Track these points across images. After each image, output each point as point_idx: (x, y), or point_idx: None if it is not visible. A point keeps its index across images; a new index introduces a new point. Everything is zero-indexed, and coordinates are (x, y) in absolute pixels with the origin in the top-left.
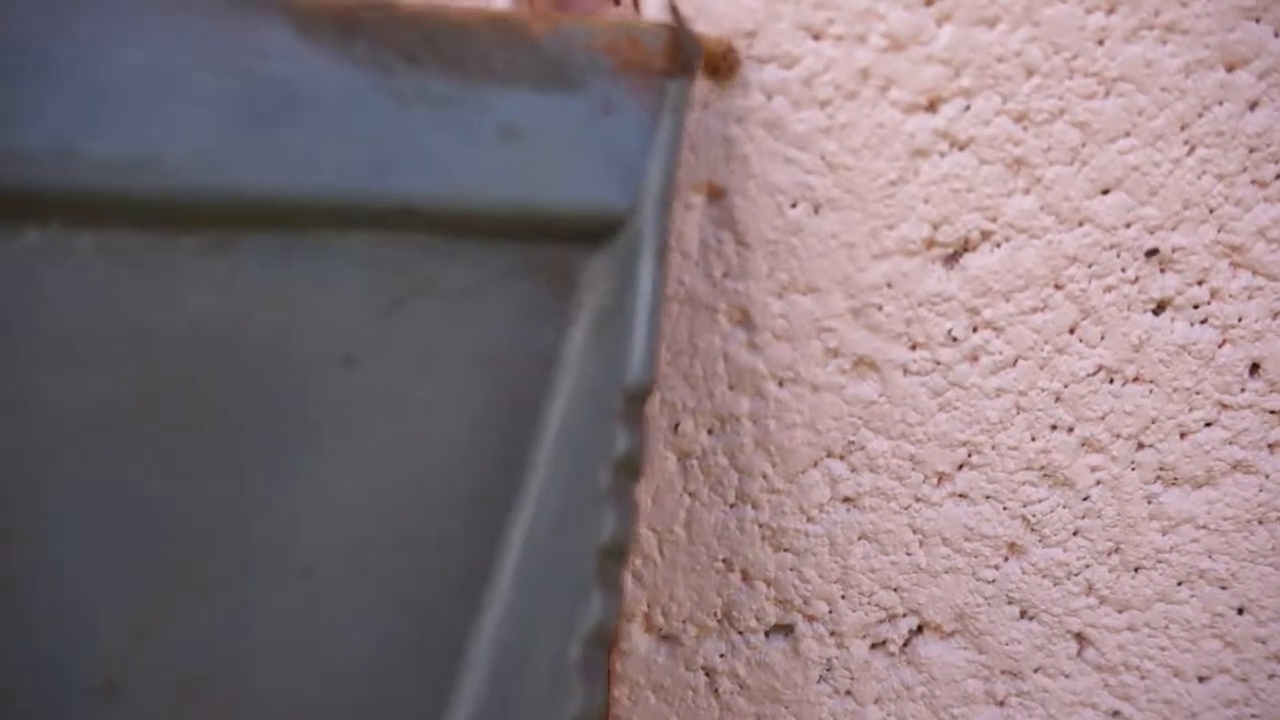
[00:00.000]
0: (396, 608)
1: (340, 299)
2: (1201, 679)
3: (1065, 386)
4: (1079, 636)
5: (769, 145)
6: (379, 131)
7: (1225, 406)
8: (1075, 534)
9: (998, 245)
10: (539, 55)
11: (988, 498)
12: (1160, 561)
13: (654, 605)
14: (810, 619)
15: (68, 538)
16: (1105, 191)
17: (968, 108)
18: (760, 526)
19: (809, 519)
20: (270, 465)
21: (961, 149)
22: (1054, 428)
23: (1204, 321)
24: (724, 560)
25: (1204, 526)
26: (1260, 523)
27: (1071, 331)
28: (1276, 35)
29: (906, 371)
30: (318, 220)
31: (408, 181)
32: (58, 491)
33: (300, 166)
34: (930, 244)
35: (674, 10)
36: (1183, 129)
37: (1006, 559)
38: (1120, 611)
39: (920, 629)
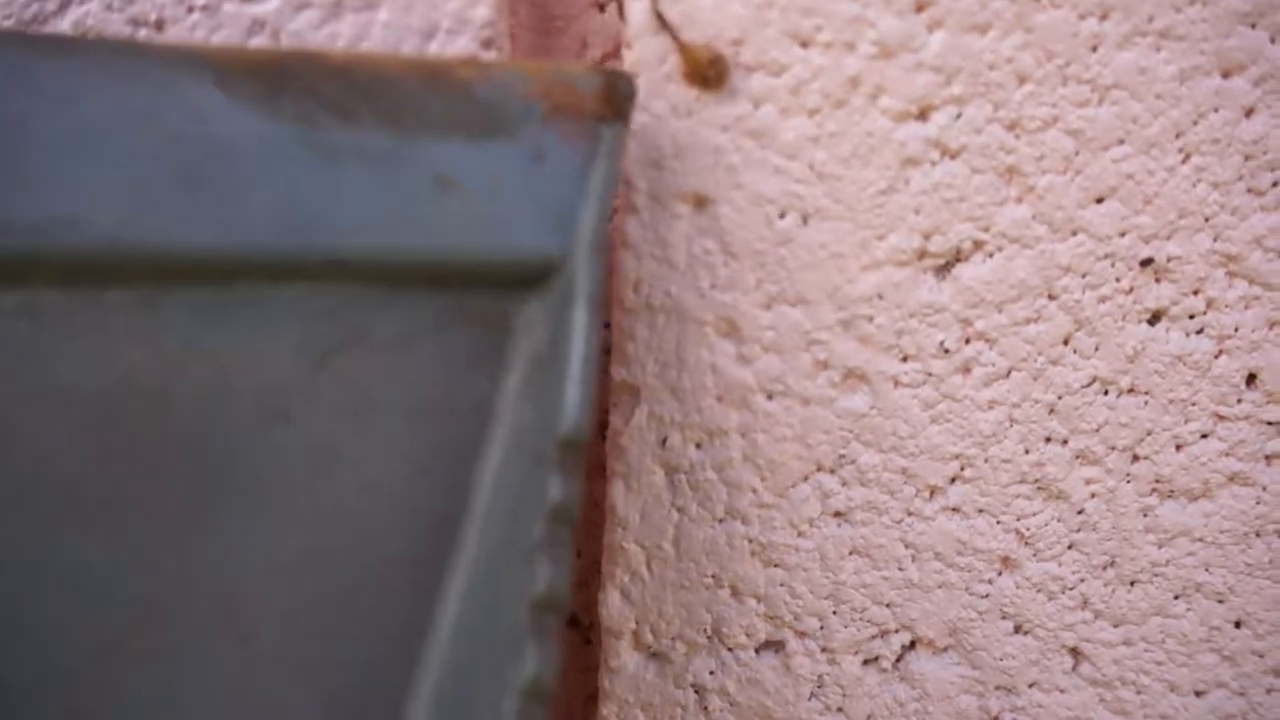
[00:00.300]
0: (337, 668)
1: (272, 352)
2: (1198, 693)
3: (1059, 398)
4: (1074, 651)
5: (756, 154)
6: (307, 186)
7: (1222, 418)
8: (1070, 548)
9: (990, 255)
10: (470, 103)
11: (981, 511)
12: (1156, 575)
13: (642, 622)
14: (801, 635)
15: None
16: (1099, 200)
17: (959, 116)
18: (750, 542)
19: (799, 534)
20: (205, 526)
21: (953, 158)
22: (1048, 440)
23: (1200, 332)
24: (713, 576)
25: (1200, 539)
26: (1258, 535)
27: (1065, 342)
28: (1273, 41)
29: (898, 384)
30: (246, 275)
31: (337, 235)
32: None
33: (226, 223)
34: (921, 254)
35: (659, 17)
36: (1178, 136)
37: (1000, 573)
38: (1116, 626)
39: (913, 645)
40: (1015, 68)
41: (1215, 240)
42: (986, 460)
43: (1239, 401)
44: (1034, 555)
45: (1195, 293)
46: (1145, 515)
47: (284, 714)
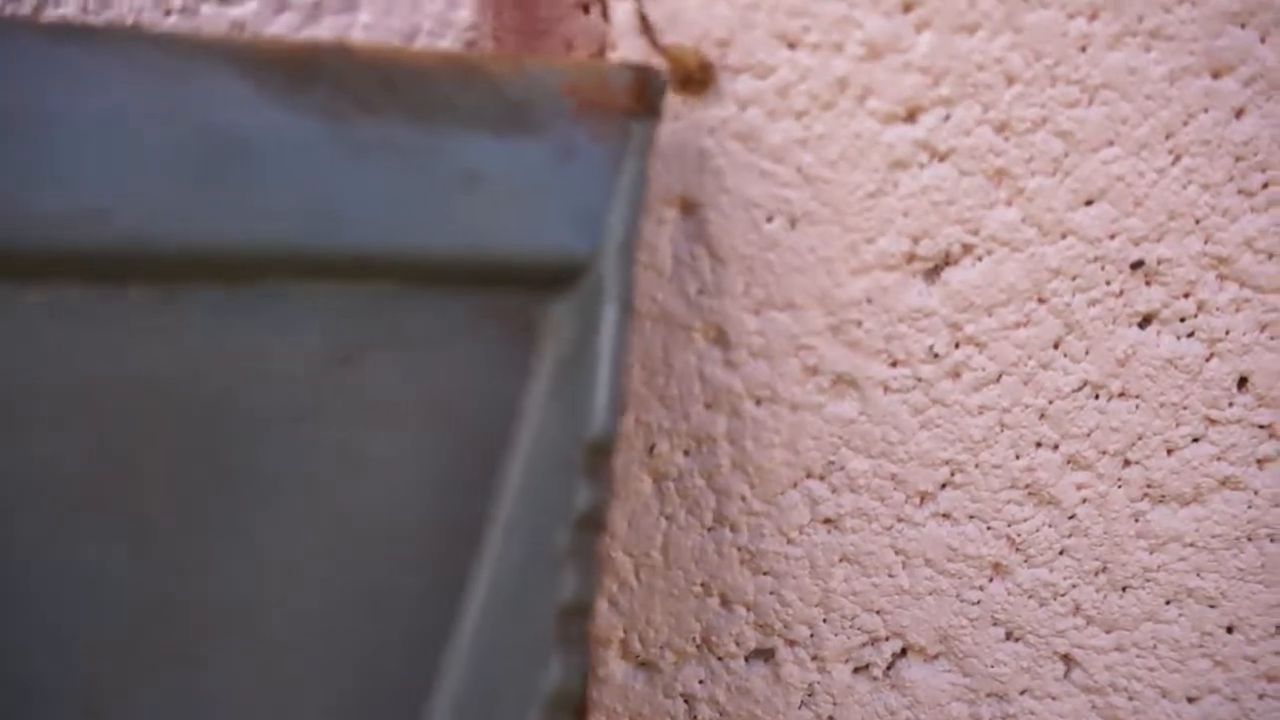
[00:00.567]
0: (354, 671)
1: (295, 351)
2: (1191, 699)
3: (1050, 403)
4: (1066, 658)
5: (743, 158)
6: (334, 181)
7: (1213, 421)
8: (1061, 553)
9: (979, 259)
10: (499, 98)
11: (971, 517)
12: (1148, 580)
13: (631, 631)
14: (791, 643)
15: (13, 608)
16: (1089, 202)
17: (948, 117)
18: (739, 549)
19: (789, 541)
20: (223, 524)
21: (942, 160)
22: (1039, 445)
23: (1191, 335)
24: (702, 584)
25: (1192, 544)
26: (1250, 540)
27: (1056, 346)
28: (1262, 41)
29: (887, 389)
30: (271, 272)
31: (364, 231)
32: (1, 559)
33: (253, 218)
34: (910, 258)
35: (643, 19)
36: (1168, 138)
37: (991, 579)
38: (1108, 632)
39: (904, 652)
40: (1004, 68)
41: (1206, 242)
42: (977, 466)
43: (1230, 405)
44: (1025, 561)
45: (1186, 295)
46: (1137, 520)
47: (297, 713)
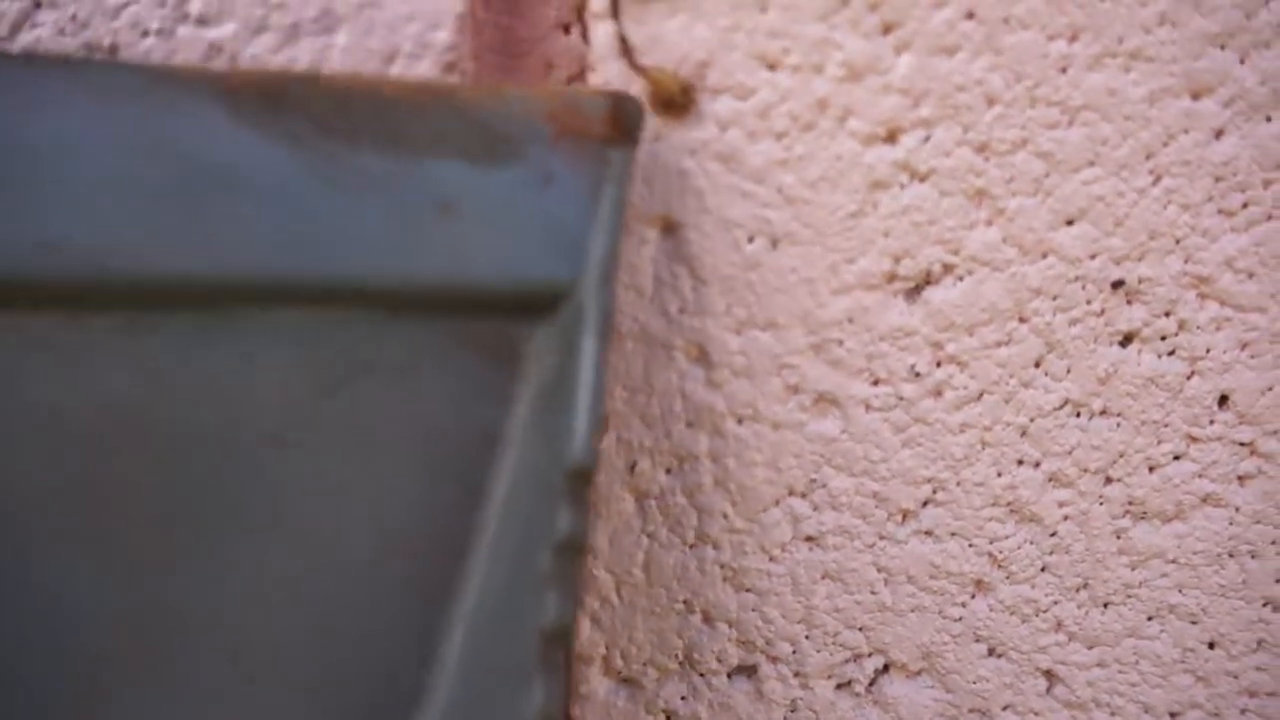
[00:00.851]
0: (338, 697)
1: (267, 380)
2: (1173, 715)
3: (1031, 421)
4: (1048, 674)
5: (724, 178)
6: (307, 210)
7: (1194, 439)
8: (1043, 570)
9: (960, 278)
10: (476, 127)
11: (953, 535)
12: (1130, 597)
13: (613, 648)
14: (774, 660)
15: None
16: (1069, 222)
17: (928, 138)
18: (721, 567)
19: (771, 558)
20: (195, 552)
21: (922, 180)
22: (1020, 463)
23: (1172, 353)
24: (684, 601)
25: (1174, 561)
26: (1231, 556)
27: (1037, 365)
28: (1242, 62)
29: (869, 407)
30: (245, 301)
31: (338, 260)
32: None
33: (224, 246)
34: (891, 278)
35: (623, 41)
36: (1148, 158)
37: (973, 596)
38: (1090, 648)
39: (886, 668)
40: (984, 90)
41: (1186, 262)
42: (959, 483)
43: (1211, 423)
44: (1007, 578)
45: (1167, 314)
46: (1118, 537)
47: None
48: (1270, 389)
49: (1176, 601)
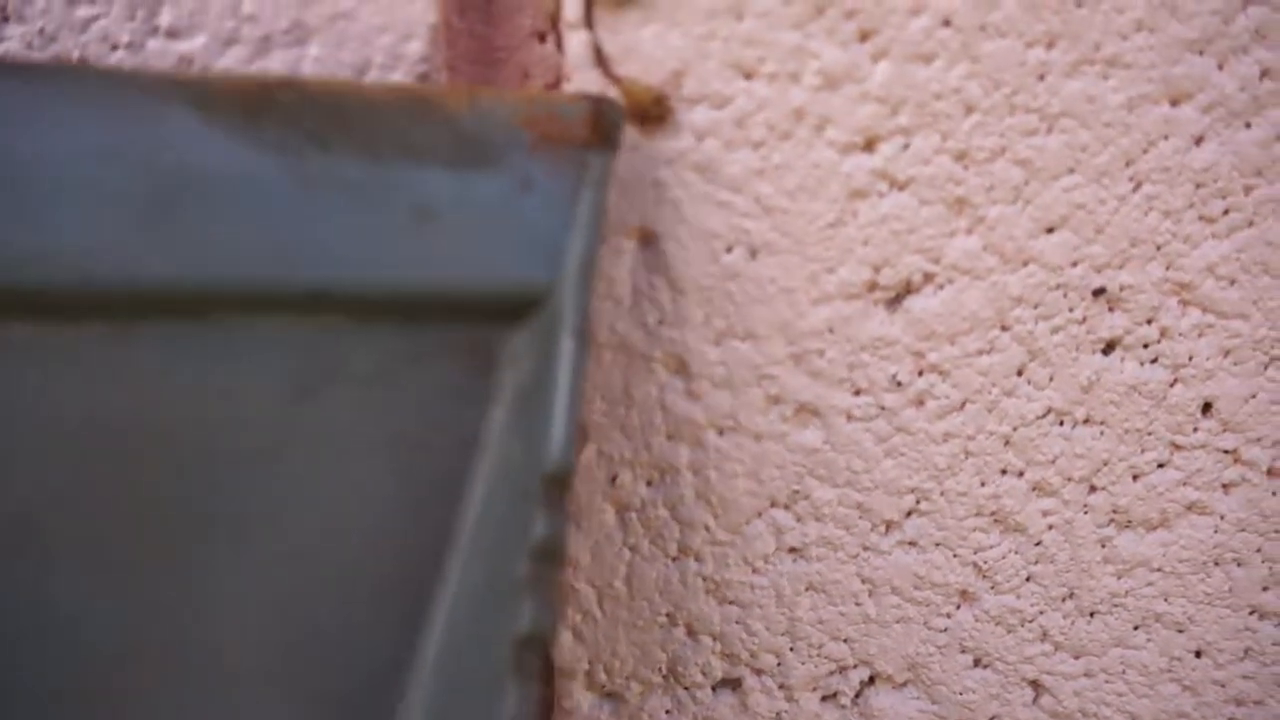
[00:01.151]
0: (315, 702)
1: (252, 385)
2: None
3: (1014, 430)
4: (1034, 684)
5: (701, 188)
6: (287, 217)
7: (1178, 447)
8: (1028, 580)
9: (941, 287)
10: (454, 132)
11: (938, 545)
12: (1116, 606)
13: (596, 662)
14: (758, 672)
15: None
16: (1050, 230)
17: (906, 147)
18: (704, 579)
19: (754, 570)
20: (181, 561)
21: (901, 189)
22: (1004, 472)
23: (1154, 361)
24: (667, 614)
25: (1159, 569)
26: (1216, 564)
27: (1019, 374)
28: (1220, 68)
29: (850, 418)
30: (225, 307)
31: (318, 267)
32: None
33: (204, 254)
34: (871, 287)
35: (597, 51)
36: (1127, 165)
37: (959, 607)
38: (1076, 658)
39: (872, 680)
40: (962, 97)
41: (1168, 269)
42: (942, 493)
43: (1195, 430)
44: (992, 588)
45: (1149, 322)
46: (1103, 546)
47: None
48: (1253, 396)
49: (1163, 610)
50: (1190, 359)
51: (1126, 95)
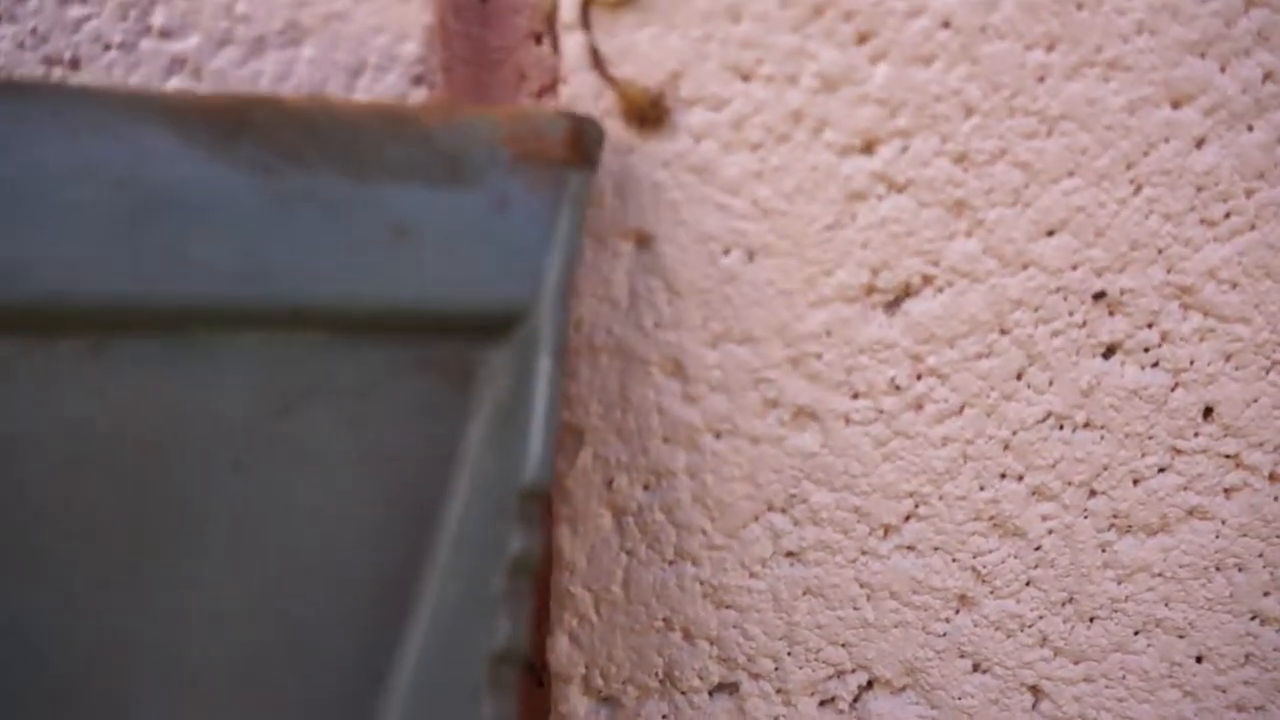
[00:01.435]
0: (291, 715)
1: (226, 401)
2: None
3: (1014, 434)
4: (1034, 689)
5: (698, 191)
6: (263, 234)
7: (1179, 451)
8: (1028, 584)
9: (940, 290)
10: (432, 150)
11: (936, 549)
12: (1116, 611)
13: (592, 667)
14: (755, 677)
15: None
16: (1050, 233)
17: (905, 149)
18: (701, 584)
19: (751, 575)
20: (154, 573)
21: (900, 191)
22: (1003, 476)
23: (1155, 365)
24: (664, 619)
25: (1160, 574)
26: (1218, 569)
27: (1019, 377)
28: (1222, 71)
29: (849, 421)
30: (199, 323)
31: (294, 283)
32: None
33: (181, 271)
34: (870, 290)
35: (594, 52)
36: (1128, 168)
37: (957, 611)
38: (1076, 663)
39: (870, 685)
40: (962, 100)
41: (1169, 272)
42: (941, 498)
43: (1196, 435)
44: (991, 593)
45: (1149, 326)
46: (1103, 551)
47: None
48: (1255, 401)
49: (1163, 615)
50: (1191, 363)
51: (1127, 98)
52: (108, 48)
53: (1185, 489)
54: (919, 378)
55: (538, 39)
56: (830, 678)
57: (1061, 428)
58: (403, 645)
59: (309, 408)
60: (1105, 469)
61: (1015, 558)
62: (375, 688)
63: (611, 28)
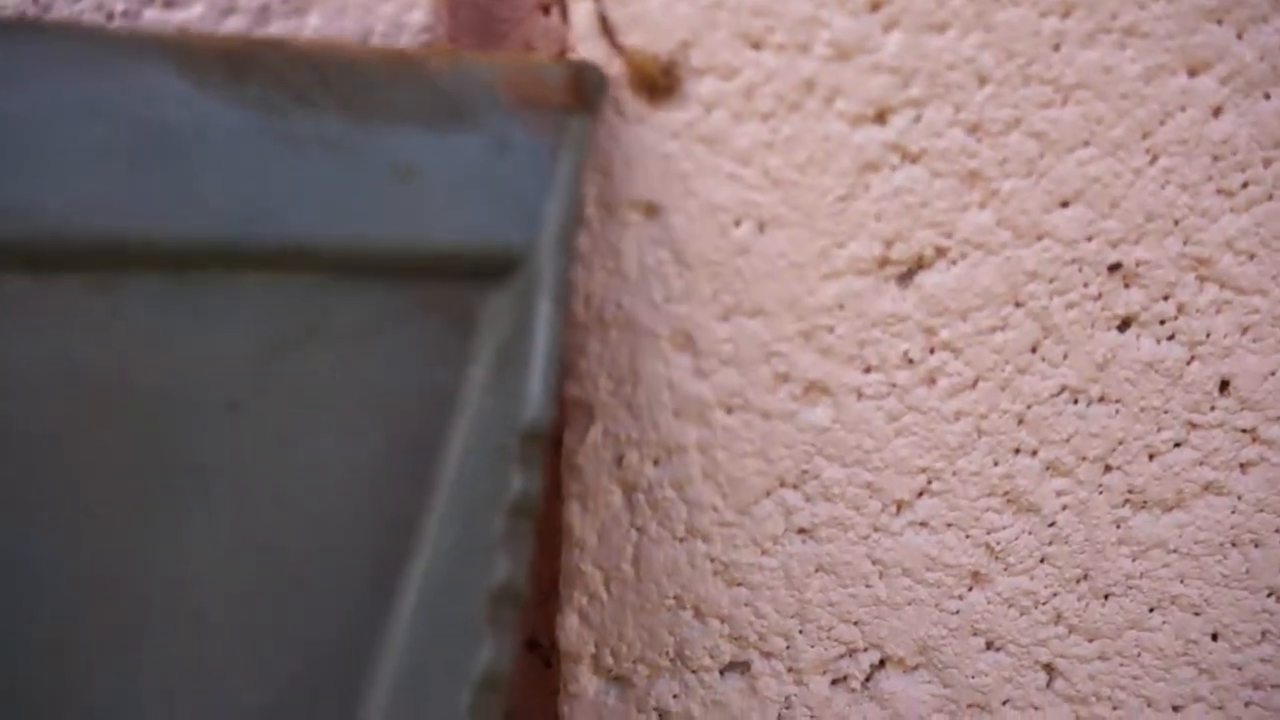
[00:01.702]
0: (291, 654)
1: (228, 341)
2: (1176, 708)
3: (1028, 408)
4: (1048, 667)
5: (709, 161)
6: (269, 173)
7: (1195, 426)
8: (1042, 561)
9: (954, 262)
10: (435, 92)
11: (949, 526)
12: (1131, 588)
13: (602, 646)
14: (767, 656)
15: None
16: (1065, 204)
17: (918, 118)
18: (712, 561)
19: (763, 552)
20: (155, 512)
21: (913, 162)
22: (1017, 451)
23: (1171, 338)
24: (675, 597)
25: (1175, 550)
26: (1234, 545)
27: (1033, 351)
28: (1240, 37)
29: (861, 396)
30: (203, 263)
31: (298, 223)
32: None
33: (186, 209)
34: (883, 262)
35: (602, 19)
36: (1144, 137)
37: (971, 589)
38: (1090, 640)
39: (882, 663)
40: (975, 68)
41: (1185, 244)
42: (954, 473)
43: (1212, 409)
44: (1005, 570)
45: (1165, 298)
46: (1118, 527)
47: (237, 698)
48: (1272, 373)
49: (1178, 592)
50: (1208, 336)
51: (1144, 65)
52: (110, 17)
53: (1201, 464)
54: (932, 351)
55: (545, 9)
56: (842, 656)
57: (1076, 402)
58: (403, 585)
59: (310, 348)
60: (1120, 444)
61: (1029, 534)
62: (376, 626)
63: None
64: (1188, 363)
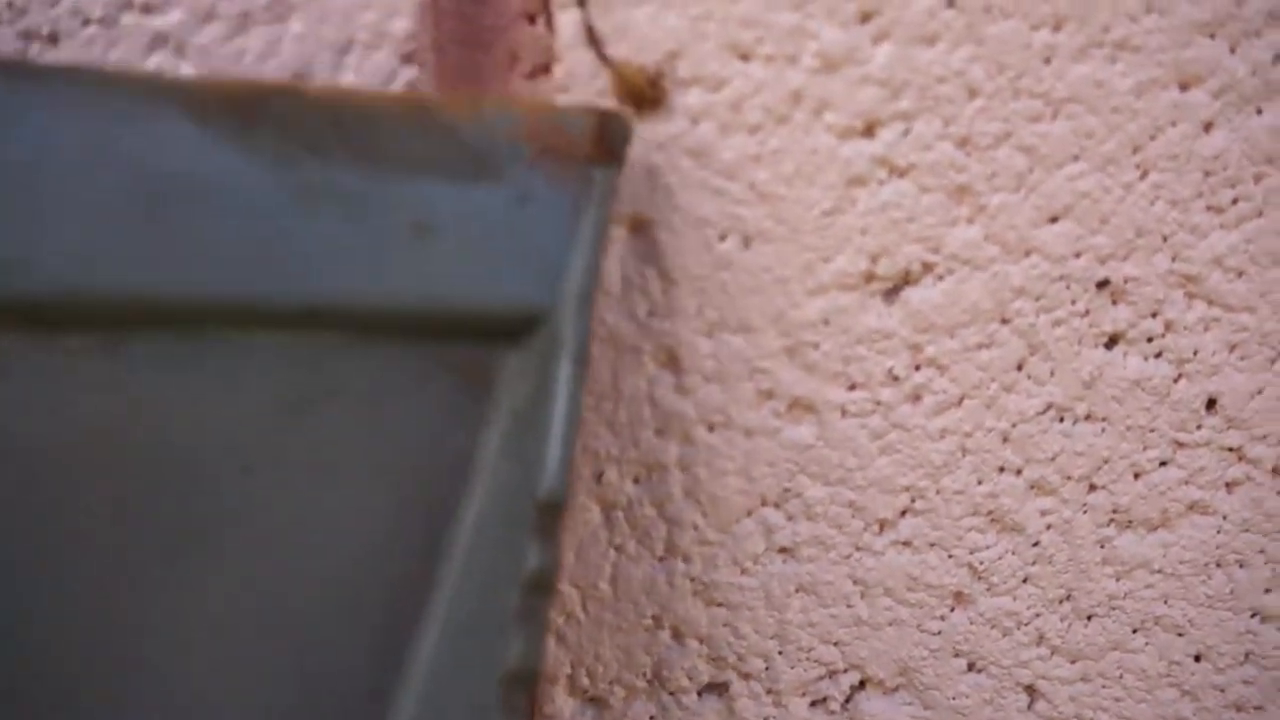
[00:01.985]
0: None
1: (242, 401)
2: None
3: (1013, 426)
4: (1030, 689)
5: (695, 174)
6: (282, 228)
7: (1181, 445)
8: (1025, 581)
9: (940, 278)
10: (454, 143)
11: (932, 545)
12: (1114, 609)
13: (578, 666)
14: (746, 677)
15: None
16: (1053, 220)
17: (907, 132)
18: (691, 580)
19: (743, 571)
20: (155, 578)
21: (901, 176)
22: (1002, 470)
23: (1158, 355)
24: (653, 617)
25: (1159, 571)
26: (1218, 566)
27: (1019, 368)
28: (1232, 52)
29: (845, 413)
30: (215, 321)
31: (312, 281)
32: None
33: (195, 266)
34: (869, 277)
35: (588, 29)
36: (1135, 152)
37: (953, 609)
38: (1073, 662)
39: (862, 685)
40: (965, 81)
41: (1174, 260)
42: (938, 492)
43: (1199, 427)
44: (988, 590)
45: (1153, 315)
46: (1102, 547)
47: None
48: (1260, 392)
49: (1162, 613)
50: (1195, 353)
51: (1135, 80)
52: (87, 22)
53: (1186, 483)
54: (917, 368)
55: (531, 19)
56: (822, 678)
57: (1062, 420)
58: (411, 661)
59: (322, 410)
60: (1105, 462)
61: (1013, 554)
62: (381, 705)
63: (607, 5)
64: (1175, 381)
